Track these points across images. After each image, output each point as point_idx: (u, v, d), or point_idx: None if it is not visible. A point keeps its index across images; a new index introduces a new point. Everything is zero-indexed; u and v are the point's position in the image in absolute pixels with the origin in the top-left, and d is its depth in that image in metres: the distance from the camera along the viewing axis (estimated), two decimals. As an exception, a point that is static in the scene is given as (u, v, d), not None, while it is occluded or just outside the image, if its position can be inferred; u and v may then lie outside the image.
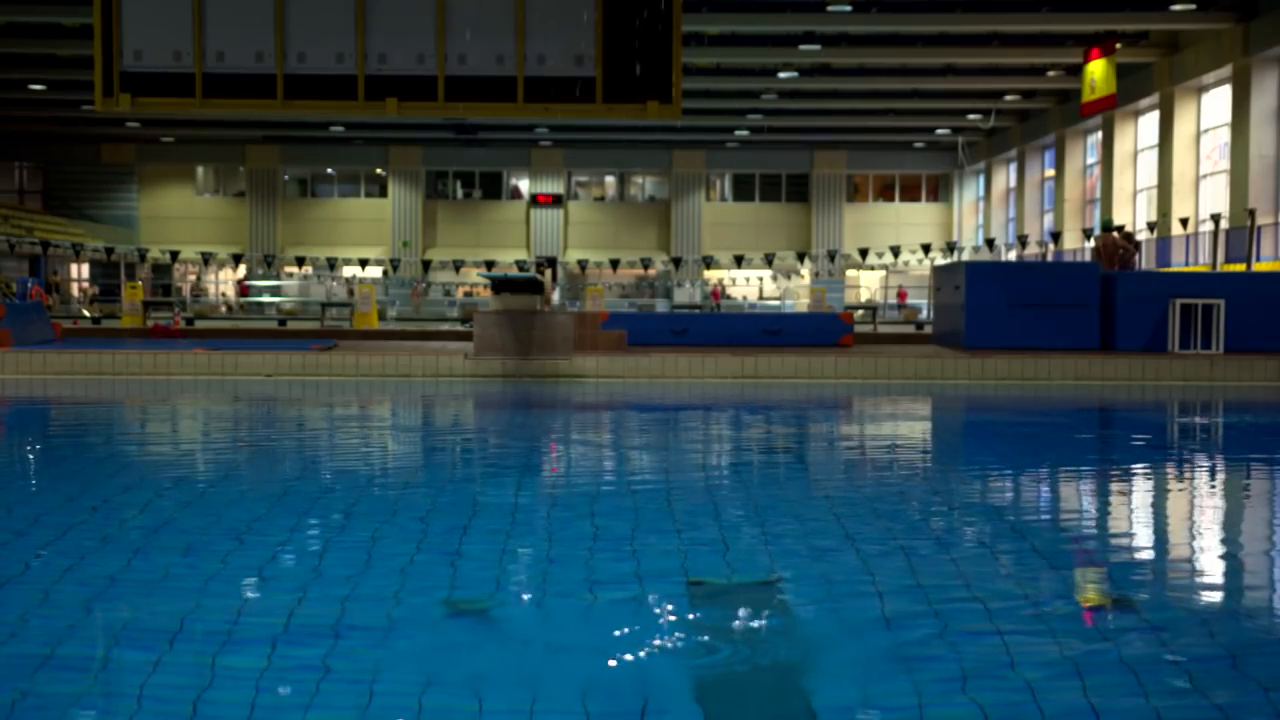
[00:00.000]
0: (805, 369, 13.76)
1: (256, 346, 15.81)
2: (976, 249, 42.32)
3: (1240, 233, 24.63)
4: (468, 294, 40.45)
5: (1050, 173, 38.87)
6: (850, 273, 45.14)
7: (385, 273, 43.80)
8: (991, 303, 15.95)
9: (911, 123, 41.08)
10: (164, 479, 6.75)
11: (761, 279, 45.29)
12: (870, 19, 27.77)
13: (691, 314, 22.69)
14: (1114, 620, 3.88)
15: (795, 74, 33.09)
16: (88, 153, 45.88)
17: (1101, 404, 11.83)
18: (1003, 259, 37.55)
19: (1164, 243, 29.62)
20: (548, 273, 18.58)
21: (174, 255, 39.52)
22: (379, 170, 46.96)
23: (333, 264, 41.20)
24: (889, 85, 34.54)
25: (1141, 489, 6.76)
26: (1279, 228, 25.81)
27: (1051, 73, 33.10)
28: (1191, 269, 26.80)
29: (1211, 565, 4.78)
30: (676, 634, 3.61)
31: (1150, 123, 32.14)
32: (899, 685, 3.18)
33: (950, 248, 40.97)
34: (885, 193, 47.99)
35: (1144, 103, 31.73)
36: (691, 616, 3.81)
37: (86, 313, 31.97)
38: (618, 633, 3.58)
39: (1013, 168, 42.32)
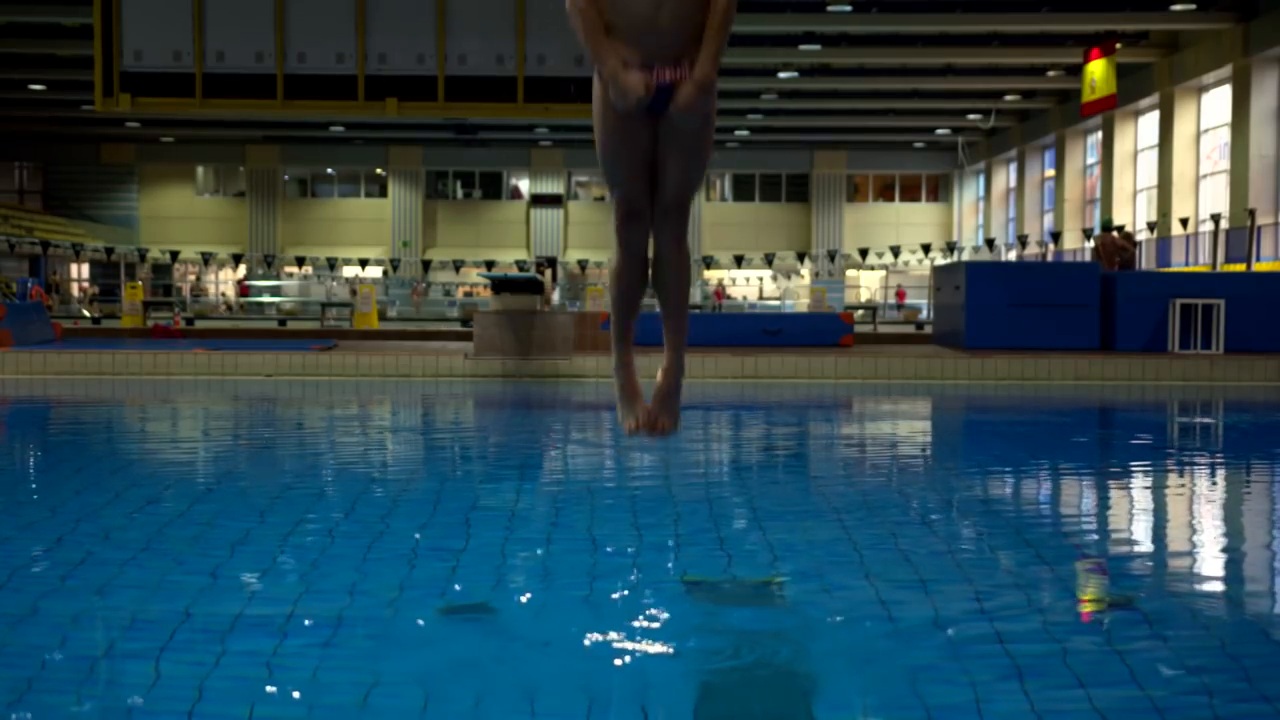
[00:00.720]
0: (805, 369, 13.76)
1: (256, 346, 15.81)
2: (976, 249, 42.31)
3: (1240, 233, 24.62)
4: (468, 294, 40.43)
5: (1050, 173, 38.86)
6: (850, 273, 45.12)
7: (385, 273, 43.78)
8: (991, 303, 15.94)
9: (911, 123, 41.07)
10: (157, 479, 6.74)
11: (761, 279, 45.28)
12: (870, 19, 27.76)
13: (691, 314, 22.63)
14: (1114, 620, 3.88)
15: (795, 74, 33.08)
16: (88, 153, 45.86)
17: (1102, 404, 11.83)
18: (1003, 259, 37.53)
19: (1164, 243, 29.61)
20: (548, 273, 18.58)
21: (174, 255, 39.51)
22: (379, 170, 46.95)
23: (333, 264, 41.19)
24: (889, 85, 34.53)
25: (1141, 488, 6.76)
26: (1279, 228, 25.80)
27: (1051, 73, 33.09)
28: (1191, 269, 26.79)
29: (1213, 564, 4.78)
30: (674, 632, 3.61)
31: (1150, 123, 32.13)
32: (901, 689, 3.18)
33: (950, 248, 40.96)
34: (885, 193, 47.99)
35: (1144, 103, 31.73)
36: (688, 615, 3.81)
37: (86, 313, 31.96)
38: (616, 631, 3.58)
39: (1013, 168, 42.31)
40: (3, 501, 5.93)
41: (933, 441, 9.61)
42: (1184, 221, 28.61)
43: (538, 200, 46.67)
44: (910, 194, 47.96)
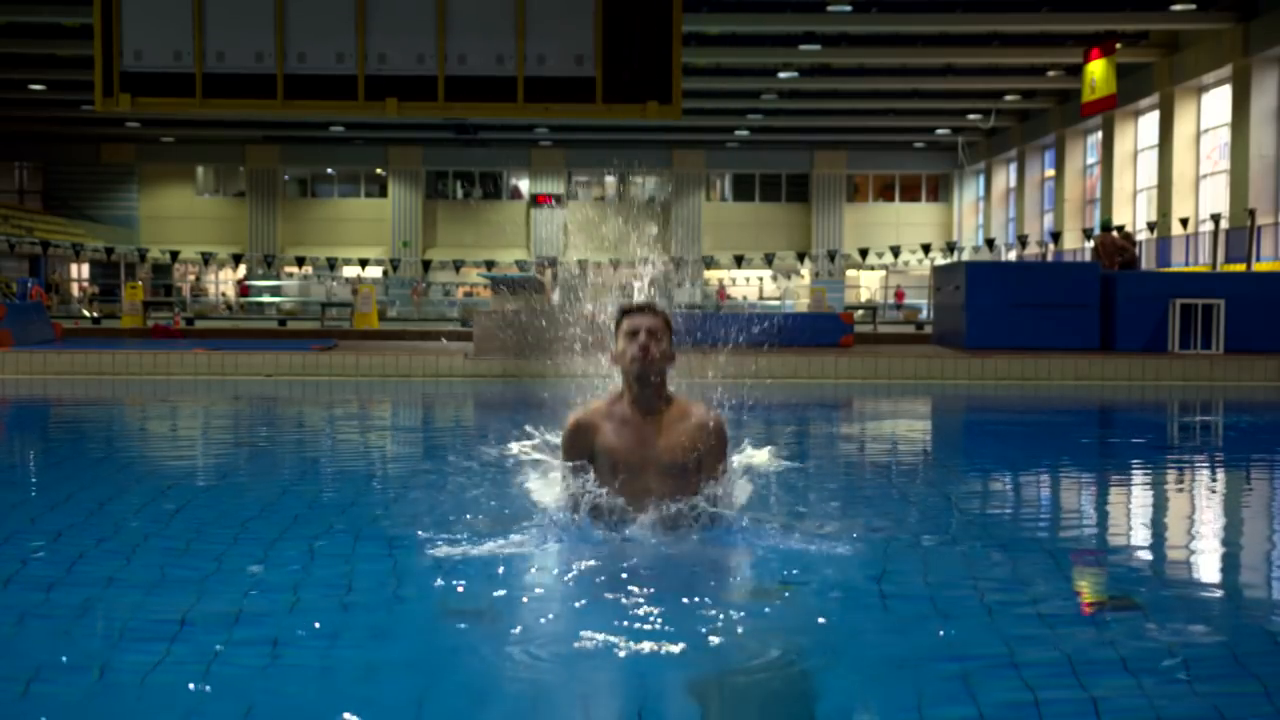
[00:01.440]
0: (805, 369, 13.76)
1: (256, 346, 15.82)
2: (976, 249, 42.31)
3: (1240, 233, 24.62)
4: (468, 294, 40.43)
5: (1050, 173, 38.87)
6: (850, 273, 45.13)
7: (385, 273, 43.78)
8: (991, 303, 15.94)
9: (911, 123, 41.08)
10: (151, 479, 6.74)
11: (761, 279, 45.28)
12: (870, 19, 27.77)
13: (691, 314, 22.65)
14: (1117, 619, 3.88)
15: (795, 74, 33.08)
16: (88, 153, 45.87)
17: (1102, 404, 11.82)
18: (1003, 259, 37.54)
19: (1164, 243, 29.61)
20: (548, 273, 18.58)
21: (174, 255, 39.51)
22: (379, 170, 46.96)
23: (333, 264, 41.19)
24: (889, 85, 34.54)
25: (1142, 488, 6.76)
26: (1279, 228, 25.80)
27: (1051, 73, 33.10)
28: (1191, 269, 26.79)
29: (1213, 564, 4.78)
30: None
31: (1150, 123, 32.13)
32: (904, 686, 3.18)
33: (950, 248, 40.97)
34: (885, 193, 47.99)
35: (1144, 103, 31.73)
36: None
37: (86, 313, 31.97)
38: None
39: (1013, 168, 42.31)
40: None
41: (932, 441, 9.60)
42: (1184, 221, 28.62)
43: (537, 200, 46.67)
44: (910, 194, 47.97)
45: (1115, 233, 19.92)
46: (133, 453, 8.45)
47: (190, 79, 14.41)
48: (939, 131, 42.61)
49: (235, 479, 6.76)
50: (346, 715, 2.90)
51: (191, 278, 45.37)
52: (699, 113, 37.32)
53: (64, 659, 3.32)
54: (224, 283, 45.32)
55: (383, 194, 47.15)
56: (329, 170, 47.44)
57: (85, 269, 43.35)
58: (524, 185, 47.42)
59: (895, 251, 39.22)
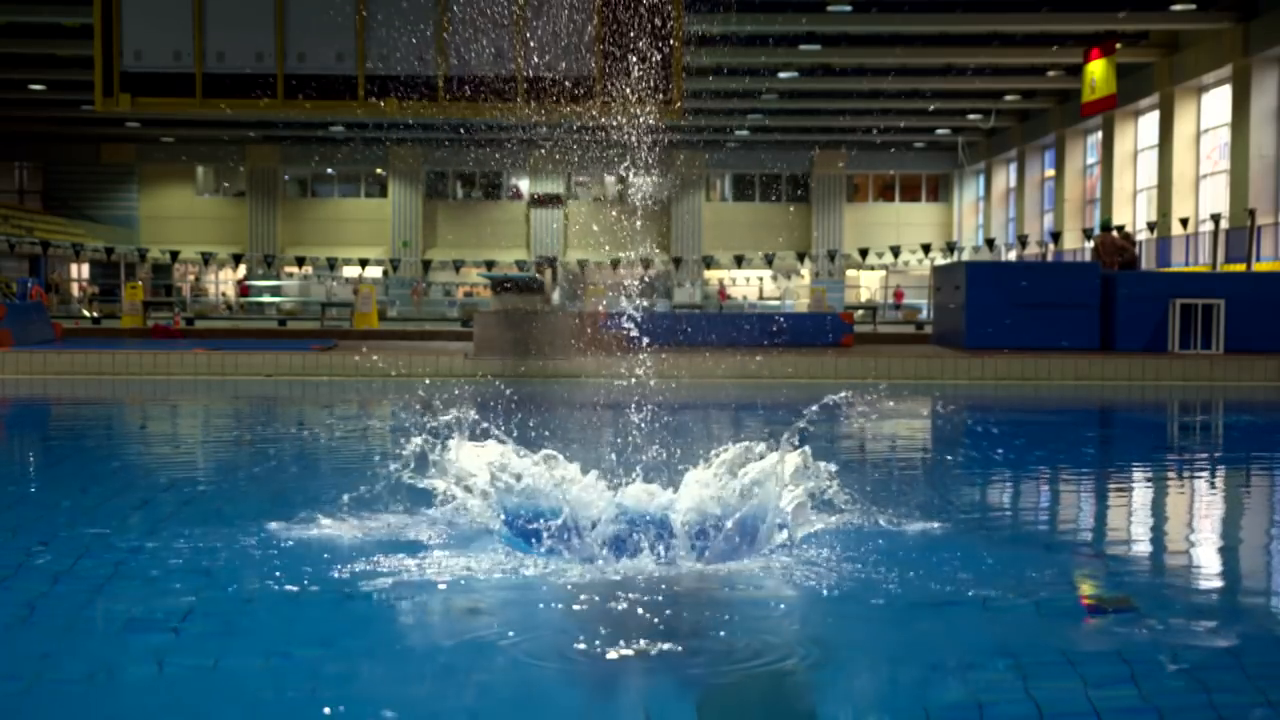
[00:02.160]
0: (805, 369, 13.76)
1: (256, 346, 15.82)
2: (976, 249, 42.32)
3: (1240, 233, 24.62)
4: (468, 294, 40.44)
5: (1050, 173, 38.87)
6: (850, 273, 45.13)
7: (385, 273, 43.78)
8: (991, 303, 15.94)
9: (911, 123, 41.07)
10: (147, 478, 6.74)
11: (761, 279, 45.28)
12: (870, 19, 27.77)
13: (692, 314, 22.67)
14: (1117, 619, 3.88)
15: (795, 74, 33.08)
16: (88, 153, 45.87)
17: (1101, 404, 11.82)
18: (1003, 259, 37.55)
19: (1164, 243, 29.61)
20: (548, 272, 18.58)
21: (174, 255, 39.51)
22: (379, 170, 46.95)
23: (333, 264, 41.19)
24: (889, 85, 34.53)
25: (1142, 488, 6.76)
26: (1279, 228, 25.80)
27: (1051, 73, 33.10)
28: (1191, 269, 26.79)
29: (1214, 564, 4.78)
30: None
31: (1150, 123, 32.14)
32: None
33: (950, 248, 40.98)
34: (885, 193, 47.99)
35: (1144, 103, 31.73)
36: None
37: (86, 313, 31.97)
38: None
39: (1013, 168, 42.32)
40: None
41: (930, 441, 9.60)
42: (1184, 221, 28.61)
43: (536, 201, 46.67)
44: (910, 194, 47.97)
45: (1115, 233, 19.92)
46: (131, 452, 8.45)
47: (190, 79, 14.42)
48: (939, 131, 42.62)
49: (234, 478, 6.76)
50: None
51: (191, 278, 45.37)
52: (699, 113, 37.32)
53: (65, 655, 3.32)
54: (224, 283, 45.33)
55: (383, 194, 47.14)
56: (329, 170, 47.43)
57: (85, 269, 43.35)
58: (524, 185, 47.41)
59: (895, 251, 39.22)
